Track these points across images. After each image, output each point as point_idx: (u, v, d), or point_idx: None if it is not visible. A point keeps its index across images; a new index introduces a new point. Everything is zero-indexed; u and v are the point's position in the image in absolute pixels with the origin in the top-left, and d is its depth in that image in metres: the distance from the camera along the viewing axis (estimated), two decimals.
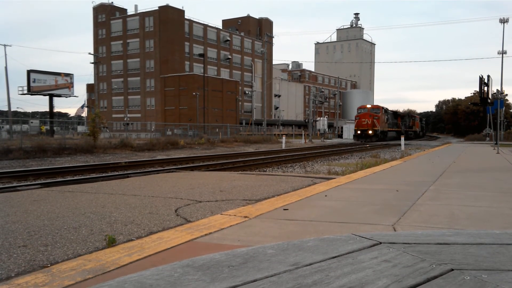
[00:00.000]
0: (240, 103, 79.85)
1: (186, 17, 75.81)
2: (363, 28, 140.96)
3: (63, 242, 3.90)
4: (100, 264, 3.06)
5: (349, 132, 64.41)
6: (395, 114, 60.10)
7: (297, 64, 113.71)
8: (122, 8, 79.57)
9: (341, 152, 26.27)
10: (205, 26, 79.92)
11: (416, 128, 73.94)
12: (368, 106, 52.20)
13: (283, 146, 32.47)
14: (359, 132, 49.29)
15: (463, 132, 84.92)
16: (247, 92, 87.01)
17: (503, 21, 55.27)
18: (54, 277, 2.79)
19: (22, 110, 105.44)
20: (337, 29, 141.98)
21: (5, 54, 64.97)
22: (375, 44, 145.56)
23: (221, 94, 73.17)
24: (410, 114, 73.35)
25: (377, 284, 1.01)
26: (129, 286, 1.00)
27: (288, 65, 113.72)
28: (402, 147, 28.72)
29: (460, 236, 1.50)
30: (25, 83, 54.36)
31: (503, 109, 55.36)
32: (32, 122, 56.66)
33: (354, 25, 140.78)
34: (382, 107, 51.42)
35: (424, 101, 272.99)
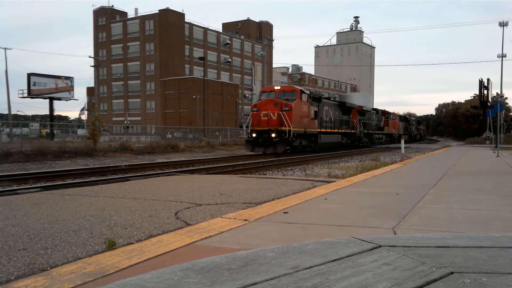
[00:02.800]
0: (240, 106, 79.86)
1: (186, 20, 75.95)
2: (363, 32, 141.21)
3: (63, 245, 3.89)
4: (100, 268, 3.05)
5: None
6: (343, 106, 35.74)
7: (297, 68, 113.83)
8: (122, 12, 79.73)
9: (341, 155, 26.26)
10: (205, 29, 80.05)
11: (393, 129, 54.24)
12: (277, 87, 27.38)
13: None
14: (254, 134, 25.00)
15: (463, 135, 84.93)
16: (247, 96, 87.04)
17: (503, 24, 55.36)
18: (54, 280, 2.79)
19: (22, 113, 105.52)
20: (337, 33, 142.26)
21: (6, 58, 65.03)
22: (375, 47, 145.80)
23: (221, 97, 73.18)
24: (382, 111, 49.76)
25: (377, 287, 1.01)
26: None
27: (288, 68, 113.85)
28: (402, 150, 28.72)
29: (460, 239, 1.50)
30: (25, 86, 54.44)
31: (503, 112, 55.34)
32: (32, 126, 56.74)
33: (354, 29, 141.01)
34: (305, 91, 27.66)
35: (424, 104, 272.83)
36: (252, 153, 24.86)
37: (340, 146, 34.72)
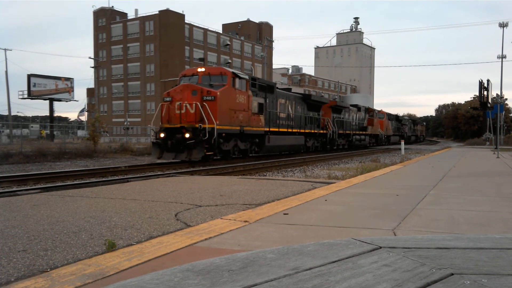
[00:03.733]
0: None
1: (186, 21, 75.98)
2: (362, 32, 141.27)
3: (63, 247, 3.89)
4: (100, 269, 3.05)
5: None
6: (308, 100, 29.00)
7: (297, 69, 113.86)
8: (123, 12, 79.76)
9: (341, 157, 26.27)
10: (205, 30, 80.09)
11: (379, 129, 46.96)
12: (201, 69, 19.81)
13: None
14: (162, 134, 17.97)
15: (463, 136, 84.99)
16: None
17: (503, 25, 55.39)
18: (53, 282, 2.79)
19: (22, 115, 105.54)
20: (337, 33, 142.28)
21: (6, 59, 64.94)
22: (374, 48, 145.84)
23: None
24: (366, 108, 43.74)
25: None
26: None
27: (288, 69, 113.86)
28: (402, 151, 28.74)
29: (460, 241, 1.50)
30: (25, 87, 54.46)
31: (503, 113, 55.35)
32: (32, 127, 56.72)
33: (354, 29, 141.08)
34: (241, 75, 20.25)
35: (424, 105, 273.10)
36: (159, 161, 18.00)
37: (304, 150, 27.86)
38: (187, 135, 17.06)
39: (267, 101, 22.59)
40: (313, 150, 30.01)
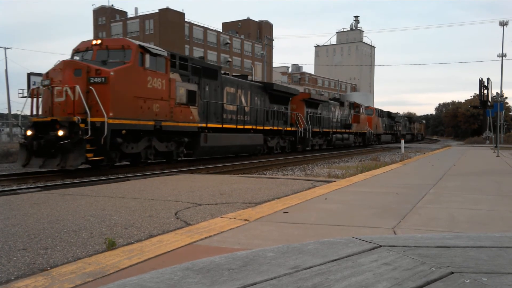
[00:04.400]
0: None
1: (186, 19, 75.92)
2: (363, 31, 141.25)
3: (63, 245, 3.90)
4: (100, 267, 3.05)
5: None
6: (270, 90, 23.73)
7: (297, 67, 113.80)
8: (122, 11, 79.72)
9: (341, 155, 26.28)
10: (205, 29, 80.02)
11: (367, 127, 41.44)
12: (96, 42, 14.14)
13: None
14: (29, 132, 12.72)
15: (463, 135, 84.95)
16: None
17: (503, 24, 55.37)
18: (54, 280, 2.79)
19: (22, 113, 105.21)
20: (337, 32, 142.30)
21: (6, 57, 64.93)
22: (375, 47, 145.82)
23: None
24: (351, 103, 38.46)
25: (377, 287, 1.01)
26: None
27: (288, 68, 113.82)
28: (402, 150, 28.74)
29: (460, 239, 1.50)
30: (25, 86, 54.43)
31: (503, 112, 55.31)
32: None
33: (354, 28, 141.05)
34: (155, 50, 14.98)
35: (424, 104, 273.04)
36: (25, 169, 13.28)
37: (265, 151, 22.83)
38: (60, 133, 12.16)
39: (206, 88, 17.47)
40: (279, 151, 24.86)
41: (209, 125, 17.59)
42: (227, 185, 8.51)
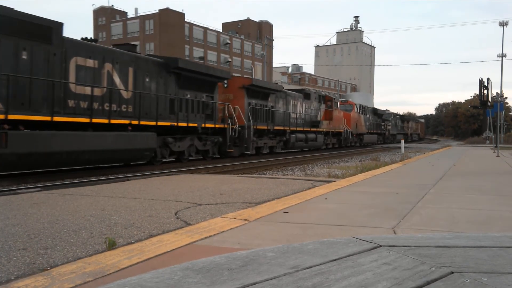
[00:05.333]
0: None
1: (186, 20, 75.93)
2: (363, 31, 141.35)
3: (63, 245, 3.89)
4: (100, 267, 3.05)
5: None
6: (174, 68, 16.10)
7: (297, 67, 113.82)
8: (123, 11, 79.73)
9: (341, 155, 26.29)
10: (205, 29, 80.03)
11: (343, 125, 34.62)
12: None
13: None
14: None
15: (463, 135, 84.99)
16: None
17: (503, 24, 55.37)
18: (54, 280, 2.79)
19: None
20: (337, 32, 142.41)
21: None
22: (374, 47, 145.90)
23: None
24: (322, 96, 32.07)
25: (377, 286, 1.01)
26: None
27: (288, 68, 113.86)
28: (402, 150, 28.74)
29: (460, 239, 1.50)
30: None
31: (503, 112, 55.35)
32: None
33: (354, 28, 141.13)
34: None
35: (424, 104, 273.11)
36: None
37: (157, 158, 15.71)
38: None
39: (22, 55, 11.03)
40: (198, 156, 18.28)
41: (16, 117, 10.71)
42: (227, 185, 8.51)
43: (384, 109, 54.11)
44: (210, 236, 4.01)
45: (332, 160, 22.44)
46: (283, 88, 26.31)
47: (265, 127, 22.56)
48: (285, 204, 5.81)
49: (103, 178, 11.75)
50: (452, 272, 1.11)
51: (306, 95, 28.87)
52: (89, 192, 7.53)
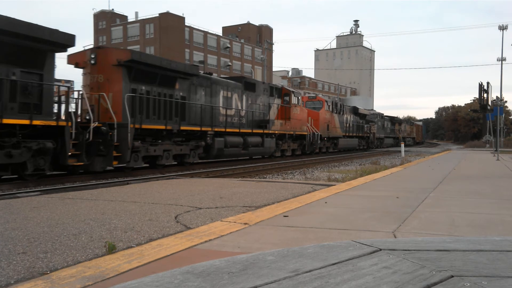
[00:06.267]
0: None
1: (186, 24, 76.08)
2: (362, 35, 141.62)
3: (63, 249, 3.89)
4: (100, 271, 3.05)
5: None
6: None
7: (297, 71, 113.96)
8: (123, 15, 79.90)
9: (341, 159, 26.28)
10: (205, 33, 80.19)
11: (306, 127, 27.31)
12: None
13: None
14: None
15: (463, 138, 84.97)
16: None
17: (502, 28, 55.47)
18: (53, 284, 2.78)
19: None
20: (337, 36, 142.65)
21: None
22: (374, 51, 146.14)
23: None
24: (277, 88, 24.37)
25: None
26: None
27: (288, 72, 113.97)
28: (402, 154, 28.74)
29: (460, 243, 1.50)
30: None
31: (503, 115, 55.38)
32: None
33: (353, 32, 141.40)
34: None
35: (424, 108, 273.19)
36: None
37: None
38: None
39: None
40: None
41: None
42: (227, 189, 8.51)
43: (370, 108, 47.76)
44: (210, 240, 4.00)
45: (332, 163, 22.44)
46: (200, 71, 18.62)
47: (162, 127, 15.35)
48: (285, 208, 5.81)
49: (103, 182, 11.75)
50: (452, 276, 1.11)
51: (248, 86, 21.43)
52: (89, 196, 7.53)
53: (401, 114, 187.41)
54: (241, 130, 20.15)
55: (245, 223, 4.74)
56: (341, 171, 16.48)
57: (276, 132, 23.30)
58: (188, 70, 17.28)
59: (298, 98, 26.23)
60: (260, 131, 21.66)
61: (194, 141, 17.40)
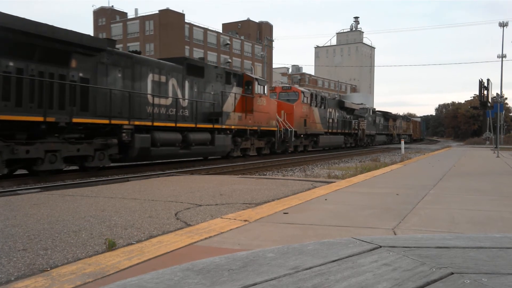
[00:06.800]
0: None
1: (186, 20, 75.98)
2: (362, 32, 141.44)
3: (63, 246, 3.89)
4: (100, 268, 3.05)
5: None
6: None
7: (297, 68, 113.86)
8: (123, 12, 79.79)
9: (341, 156, 26.28)
10: (205, 30, 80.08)
11: (286, 122, 23.92)
12: None
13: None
14: None
15: (463, 135, 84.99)
16: None
17: (503, 24, 55.39)
18: (54, 281, 2.79)
19: None
20: (337, 33, 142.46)
21: None
22: (374, 48, 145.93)
23: None
24: (222, 70, 19.17)
25: (377, 287, 1.01)
26: None
27: (288, 68, 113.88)
28: (403, 151, 28.74)
29: (460, 240, 1.50)
30: None
31: (503, 112, 55.39)
32: None
33: (354, 29, 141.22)
34: None
35: (424, 105, 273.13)
36: None
37: None
38: None
39: None
40: None
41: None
42: (227, 186, 8.51)
43: (359, 103, 43.54)
44: (210, 237, 4.01)
45: (332, 160, 22.44)
46: (117, 47, 15.54)
47: (37, 119, 11.19)
48: (285, 205, 5.81)
49: (103, 179, 11.75)
50: (452, 273, 1.11)
51: (193, 69, 17.02)
52: (89, 193, 7.53)
53: (401, 111, 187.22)
54: (179, 125, 15.65)
55: (245, 220, 4.74)
56: (341, 168, 16.48)
57: (233, 127, 18.95)
58: (91, 43, 12.81)
59: (264, 87, 21.52)
60: (210, 125, 17.35)
61: (101, 139, 13.08)
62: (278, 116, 23.21)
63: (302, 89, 28.57)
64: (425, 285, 1.03)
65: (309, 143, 28.32)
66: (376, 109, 48.00)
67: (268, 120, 22.09)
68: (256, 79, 21.13)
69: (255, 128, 20.86)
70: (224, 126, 18.26)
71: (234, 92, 19.44)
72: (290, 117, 24.72)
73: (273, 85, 31.96)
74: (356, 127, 37.89)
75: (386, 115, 51.91)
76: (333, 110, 32.37)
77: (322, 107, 30.21)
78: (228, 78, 19.18)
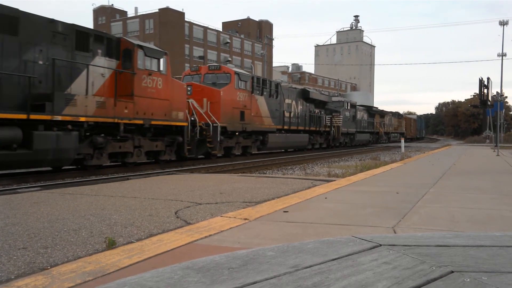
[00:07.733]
0: None
1: (186, 19, 75.90)
2: (363, 31, 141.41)
3: (63, 244, 3.89)
4: (100, 266, 3.05)
5: None
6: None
7: (297, 67, 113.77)
8: (122, 10, 79.72)
9: (341, 154, 26.28)
10: (205, 28, 80.00)
11: (194, 115, 16.36)
12: None
13: None
14: None
15: (463, 134, 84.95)
16: None
17: (503, 23, 55.36)
18: (54, 279, 2.79)
19: None
20: (337, 32, 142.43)
21: None
22: (374, 47, 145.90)
23: None
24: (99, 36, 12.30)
25: (377, 286, 1.01)
26: None
27: (288, 67, 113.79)
28: (402, 149, 28.74)
29: (460, 238, 1.50)
30: None
31: (503, 111, 55.36)
32: None
33: (354, 27, 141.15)
34: None
35: (424, 103, 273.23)
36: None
37: None
38: None
39: None
40: None
41: None
42: (227, 184, 8.51)
43: (403, 112, 36.42)
44: (210, 235, 4.01)
45: (332, 159, 22.44)
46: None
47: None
48: (285, 203, 5.81)
49: (103, 177, 11.75)
50: (452, 271, 1.11)
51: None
52: (89, 191, 7.53)
53: (401, 109, 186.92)
54: None
55: (245, 219, 4.74)
56: (341, 166, 16.48)
57: (84, 119, 12.02)
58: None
59: (159, 60, 14.61)
60: (20, 116, 10.45)
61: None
62: (195, 106, 16.93)
63: (237, 69, 20.78)
64: (425, 284, 1.03)
65: (252, 143, 21.29)
66: (356, 103, 39.63)
67: (169, 111, 14.95)
68: (142, 46, 14.13)
69: (140, 122, 13.81)
70: (59, 118, 11.30)
71: (96, 64, 12.76)
72: (216, 107, 17.90)
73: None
74: (329, 124, 31.22)
75: (370, 110, 44.30)
76: (293, 102, 25.25)
77: (274, 97, 22.97)
78: (82, 41, 12.36)
